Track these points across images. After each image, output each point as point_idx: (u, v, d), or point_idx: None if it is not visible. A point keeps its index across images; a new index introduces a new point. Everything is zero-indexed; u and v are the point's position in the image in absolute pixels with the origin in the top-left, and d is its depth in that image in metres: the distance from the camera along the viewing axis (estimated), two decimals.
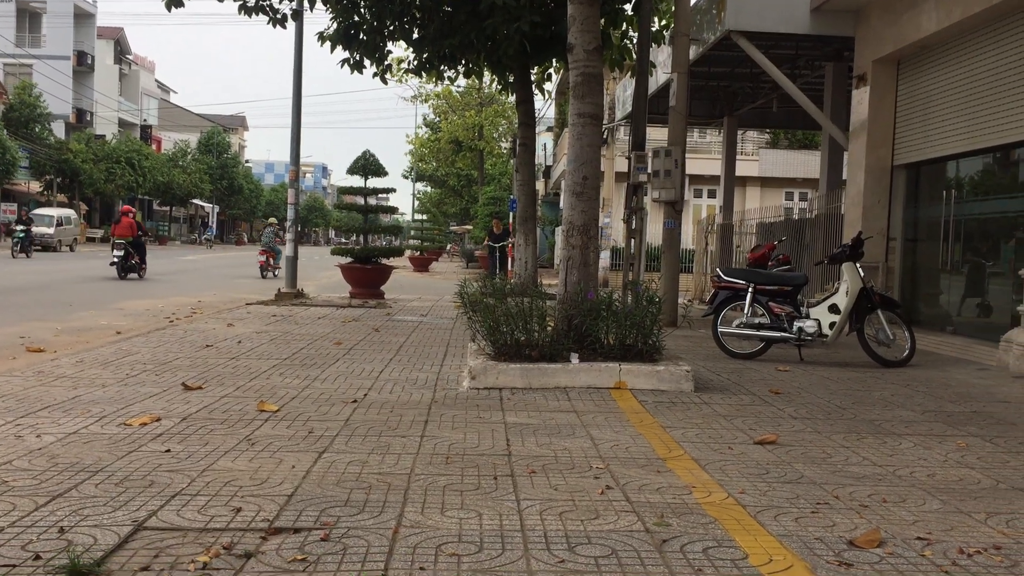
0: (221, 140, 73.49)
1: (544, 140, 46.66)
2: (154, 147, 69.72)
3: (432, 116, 50.96)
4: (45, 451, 4.50)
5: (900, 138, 12.70)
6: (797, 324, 9.25)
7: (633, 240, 12.64)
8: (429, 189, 65.27)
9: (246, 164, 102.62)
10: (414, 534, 3.38)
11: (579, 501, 3.89)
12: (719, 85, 19.82)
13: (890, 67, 12.74)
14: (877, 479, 4.46)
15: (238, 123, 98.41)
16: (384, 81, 14.94)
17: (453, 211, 61.10)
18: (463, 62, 15.74)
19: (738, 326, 9.45)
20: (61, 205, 52.17)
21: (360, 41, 14.17)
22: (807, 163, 32.59)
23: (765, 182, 33.64)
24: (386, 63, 14.73)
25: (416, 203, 67.04)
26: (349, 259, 17.48)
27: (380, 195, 18.05)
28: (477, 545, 3.28)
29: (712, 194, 32.47)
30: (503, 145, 43.39)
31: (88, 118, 62.43)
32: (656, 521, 3.64)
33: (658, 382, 6.86)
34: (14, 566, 2.93)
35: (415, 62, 15.03)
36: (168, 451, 4.57)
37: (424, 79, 16.32)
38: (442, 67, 15.76)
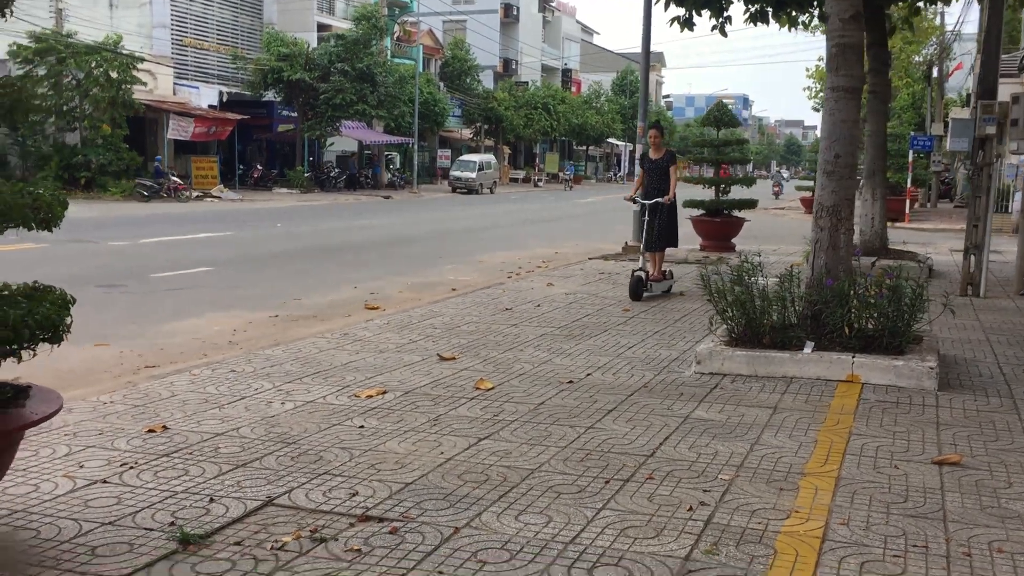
0: (634, 79, 75.42)
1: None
2: (573, 89, 73.61)
3: None
4: (274, 419, 5.51)
5: None
6: None
7: (978, 200, 11.44)
8: None
9: (665, 100, 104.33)
10: (468, 536, 3.80)
11: (658, 517, 4.04)
12: None
13: None
14: None
15: (655, 60, 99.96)
16: (723, 33, 14.71)
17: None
18: (814, 4, 14.98)
19: None
20: (487, 150, 57.35)
21: None
22: None
23: None
24: (725, 15, 14.47)
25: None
26: (700, 212, 17.61)
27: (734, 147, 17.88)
28: (511, 554, 3.63)
29: None
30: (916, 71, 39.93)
31: (513, 66, 67.34)
32: (707, 549, 3.71)
33: (896, 378, 6.45)
34: (150, 530, 3.83)
35: (755, 8, 14.57)
36: (361, 427, 5.38)
37: (778, 26, 15.71)
38: (791, 12, 15.14)
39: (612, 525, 3.93)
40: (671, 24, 13.91)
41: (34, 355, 3.41)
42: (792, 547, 3.74)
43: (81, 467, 4.57)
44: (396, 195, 42.01)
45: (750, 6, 14.02)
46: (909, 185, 28.77)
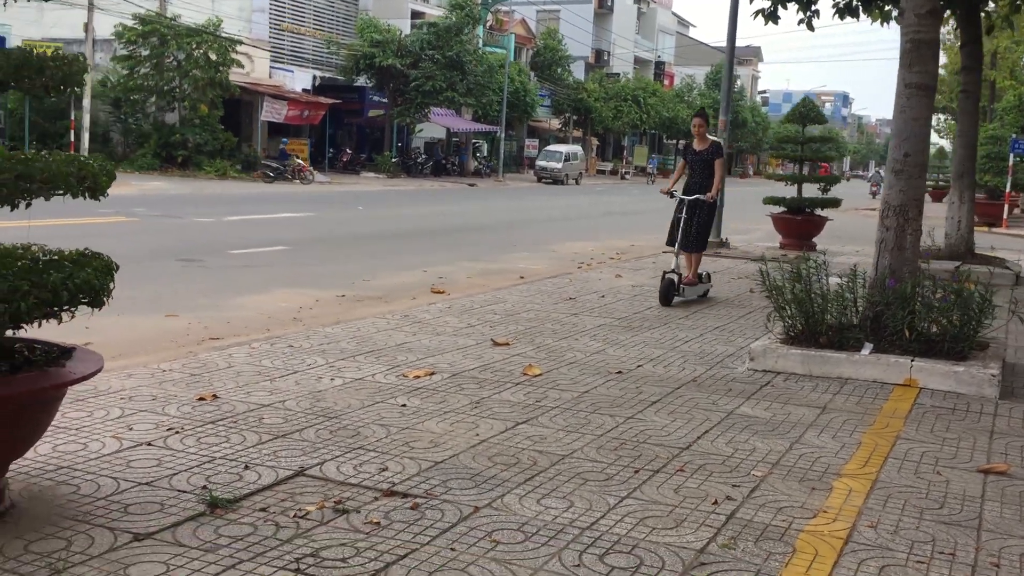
0: None
1: None
2: (666, 83, 72.84)
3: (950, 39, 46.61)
4: (320, 394, 5.63)
5: None
6: None
7: None
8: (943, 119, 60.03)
9: (761, 95, 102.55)
10: (487, 516, 3.84)
11: (681, 508, 4.02)
12: None
13: None
14: None
15: (751, 54, 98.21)
16: (811, 28, 14.39)
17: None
18: None
19: None
20: (575, 141, 57.25)
21: None
22: None
23: None
24: (813, 7, 14.16)
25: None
26: (781, 209, 17.30)
27: (819, 144, 17.48)
28: (526, 535, 3.66)
29: None
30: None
31: (605, 58, 66.97)
32: (724, 542, 3.68)
33: (955, 384, 6.26)
34: (183, 492, 3.97)
35: (843, 1, 14.22)
36: (403, 406, 5.46)
37: (869, 19, 15.30)
38: (885, 6, 14.74)
39: (633, 514, 3.93)
40: (754, 17, 13.72)
41: (72, 317, 3.57)
42: (812, 546, 3.68)
43: (130, 429, 4.76)
44: (481, 183, 42.28)
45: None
46: (1008, 189, 27.70)
